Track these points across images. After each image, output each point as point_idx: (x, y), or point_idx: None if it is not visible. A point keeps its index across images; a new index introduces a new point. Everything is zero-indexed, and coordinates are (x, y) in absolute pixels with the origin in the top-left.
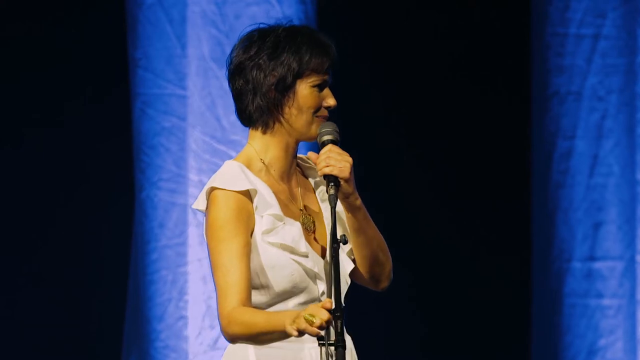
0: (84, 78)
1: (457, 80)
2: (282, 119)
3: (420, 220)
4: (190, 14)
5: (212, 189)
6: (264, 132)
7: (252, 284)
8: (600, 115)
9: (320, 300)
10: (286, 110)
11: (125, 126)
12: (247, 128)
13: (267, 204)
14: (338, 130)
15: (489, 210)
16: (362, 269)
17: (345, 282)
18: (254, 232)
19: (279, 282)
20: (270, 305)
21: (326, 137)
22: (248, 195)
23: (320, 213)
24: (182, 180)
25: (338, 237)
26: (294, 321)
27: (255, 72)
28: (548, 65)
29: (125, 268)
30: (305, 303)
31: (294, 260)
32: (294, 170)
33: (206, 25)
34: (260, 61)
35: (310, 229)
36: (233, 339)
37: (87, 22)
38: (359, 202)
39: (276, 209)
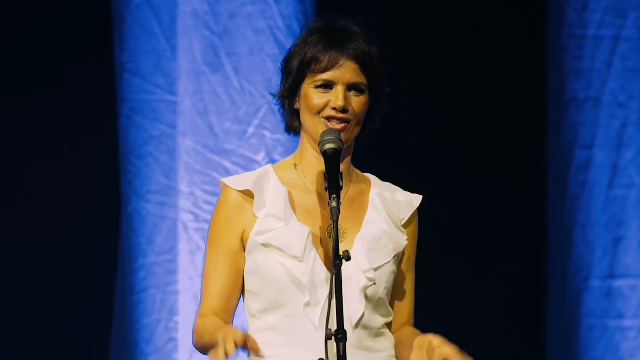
0: (69, 81)
1: (466, 84)
2: (300, 122)
3: (430, 233)
4: (180, 13)
5: (222, 183)
6: (301, 137)
7: (247, 289)
8: (620, 123)
9: (303, 314)
10: (300, 112)
11: (111, 134)
12: (242, 137)
13: (264, 205)
14: (341, 138)
15: (501, 225)
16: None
17: (359, 301)
18: (251, 234)
19: (264, 288)
20: (262, 313)
21: (329, 146)
22: (250, 195)
23: (358, 230)
24: (172, 193)
25: (341, 253)
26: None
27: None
28: (565, 69)
29: (111, 287)
30: (289, 316)
31: (281, 264)
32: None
33: (198, 26)
34: (283, 62)
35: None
36: (197, 349)
37: (72, 22)
38: None
39: (274, 209)
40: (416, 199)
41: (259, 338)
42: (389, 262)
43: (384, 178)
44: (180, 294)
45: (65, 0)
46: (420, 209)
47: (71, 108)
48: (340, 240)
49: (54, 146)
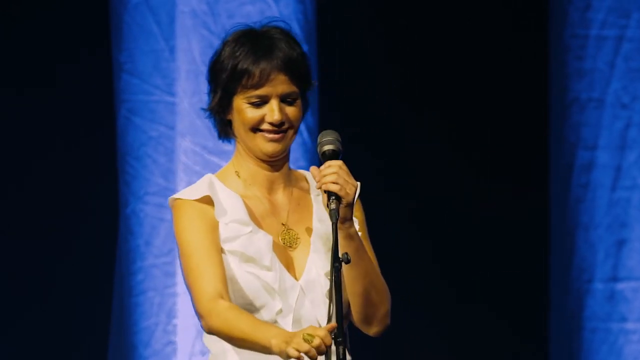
0: (66, 82)
1: (467, 85)
2: (234, 134)
3: (430, 233)
4: (179, 13)
5: (172, 200)
6: (236, 145)
7: None
8: (623, 124)
9: (276, 320)
10: (234, 126)
11: (109, 135)
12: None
13: (224, 211)
14: (340, 139)
15: (503, 225)
16: (352, 308)
17: (325, 305)
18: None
19: (234, 296)
20: None
21: (327, 147)
22: (209, 201)
23: (311, 230)
24: (171, 194)
25: (340, 255)
26: (288, 342)
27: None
28: (567, 69)
29: (108, 289)
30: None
31: (251, 272)
32: (282, 184)
33: (196, 26)
34: (209, 72)
35: (291, 245)
36: (211, 331)
37: (70, 22)
38: (353, 229)
39: (239, 214)
40: (356, 186)
41: (228, 345)
42: None
43: (383, 178)
44: (179, 297)
45: (64, 0)
46: (361, 195)
47: (69, 108)
48: (294, 247)
49: (52, 147)
